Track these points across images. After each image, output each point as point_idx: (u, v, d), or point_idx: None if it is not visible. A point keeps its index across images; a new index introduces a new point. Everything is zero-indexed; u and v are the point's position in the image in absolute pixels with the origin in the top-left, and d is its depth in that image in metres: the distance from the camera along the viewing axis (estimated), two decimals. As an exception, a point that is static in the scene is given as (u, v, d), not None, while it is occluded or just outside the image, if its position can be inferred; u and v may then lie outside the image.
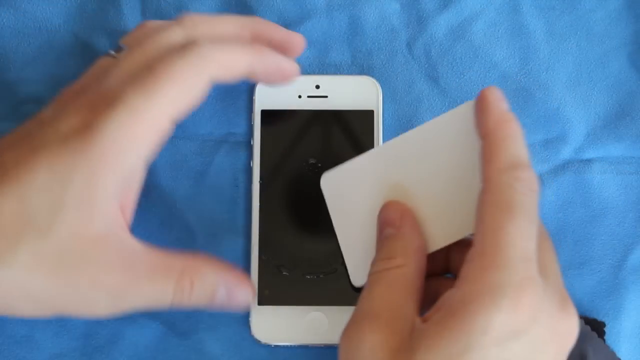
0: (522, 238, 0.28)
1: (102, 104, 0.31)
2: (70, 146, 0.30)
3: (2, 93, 0.41)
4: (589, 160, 0.41)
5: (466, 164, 0.33)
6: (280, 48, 0.37)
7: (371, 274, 0.32)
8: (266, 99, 0.40)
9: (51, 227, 0.30)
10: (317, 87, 0.40)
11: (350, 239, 0.35)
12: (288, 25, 0.42)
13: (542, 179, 0.41)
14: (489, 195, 0.30)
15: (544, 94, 0.41)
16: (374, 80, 0.40)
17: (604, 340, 0.38)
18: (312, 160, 0.40)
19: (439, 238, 0.34)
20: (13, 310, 0.31)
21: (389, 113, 0.41)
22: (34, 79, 0.41)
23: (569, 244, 0.40)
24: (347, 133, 0.40)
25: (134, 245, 0.32)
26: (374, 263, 0.33)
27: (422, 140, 0.34)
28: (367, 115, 0.40)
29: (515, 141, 0.31)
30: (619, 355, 0.38)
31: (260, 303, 0.38)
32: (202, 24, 0.35)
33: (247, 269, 0.39)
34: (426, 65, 0.42)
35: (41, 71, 0.41)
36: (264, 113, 0.40)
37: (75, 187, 0.30)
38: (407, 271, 0.32)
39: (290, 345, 0.38)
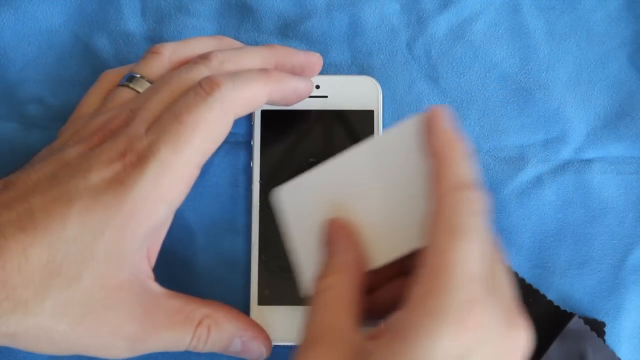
0: (469, 259, 0.28)
1: (133, 157, 0.31)
2: (102, 200, 0.31)
3: (2, 93, 0.41)
4: (589, 160, 0.41)
5: (412, 180, 0.32)
6: (301, 71, 0.38)
7: (311, 295, 0.32)
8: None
9: (79, 278, 0.30)
10: (317, 87, 0.40)
11: (301, 254, 0.35)
12: (288, 25, 0.42)
13: (542, 179, 0.41)
14: (437, 215, 0.29)
15: (544, 94, 0.41)
16: (374, 80, 0.40)
17: (604, 340, 0.38)
18: (311, 160, 0.40)
19: (384, 253, 0.33)
20: (35, 350, 0.32)
21: (389, 113, 0.41)
22: (34, 79, 0.41)
23: (569, 244, 0.40)
24: (347, 133, 0.40)
25: (156, 291, 0.33)
26: (314, 281, 0.32)
27: (369, 155, 0.33)
28: (367, 115, 0.40)
29: (463, 161, 0.31)
30: (618, 355, 0.38)
31: (260, 303, 0.38)
32: (227, 62, 0.35)
33: (247, 269, 0.39)
34: (426, 65, 0.42)
35: (41, 71, 0.41)
36: (264, 113, 0.40)
37: (106, 240, 0.31)
38: (340, 290, 0.31)
39: (290, 345, 0.38)
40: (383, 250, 0.33)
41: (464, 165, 0.30)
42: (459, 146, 0.31)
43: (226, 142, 0.40)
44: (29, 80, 0.41)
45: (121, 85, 0.36)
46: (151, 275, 0.34)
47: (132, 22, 0.42)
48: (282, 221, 0.35)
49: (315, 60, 0.39)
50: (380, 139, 0.33)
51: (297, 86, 0.36)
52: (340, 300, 0.31)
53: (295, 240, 0.35)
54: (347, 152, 0.34)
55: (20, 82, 0.41)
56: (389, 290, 0.34)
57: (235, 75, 0.34)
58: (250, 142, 0.40)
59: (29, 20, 0.42)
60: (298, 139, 0.40)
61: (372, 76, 0.41)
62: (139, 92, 0.36)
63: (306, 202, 0.35)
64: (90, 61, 0.42)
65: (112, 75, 0.38)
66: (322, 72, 0.41)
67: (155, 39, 0.41)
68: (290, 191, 0.35)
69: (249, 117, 0.40)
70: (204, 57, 0.35)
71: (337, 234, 0.33)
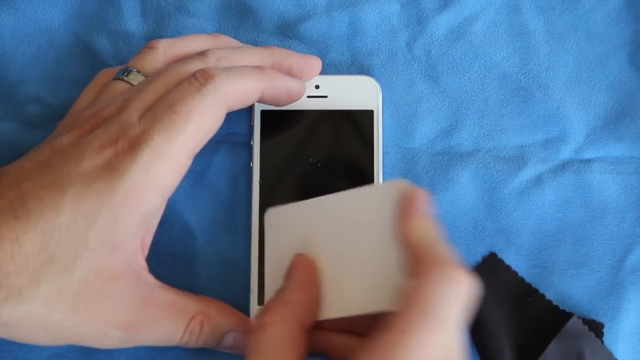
0: (426, 350, 0.27)
1: (125, 144, 0.31)
2: (95, 188, 0.31)
3: (2, 93, 0.41)
4: (589, 160, 0.41)
5: (384, 243, 0.32)
6: (299, 73, 0.38)
7: (253, 328, 0.31)
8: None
9: (73, 266, 0.30)
10: (317, 87, 0.40)
11: (273, 277, 0.35)
12: (288, 25, 0.42)
13: (542, 178, 0.41)
14: (414, 289, 0.28)
15: (544, 94, 0.41)
16: (374, 80, 0.40)
17: (602, 340, 0.38)
18: (311, 160, 0.40)
19: (338, 308, 0.32)
20: (30, 340, 0.32)
21: (389, 113, 0.41)
22: (34, 79, 0.41)
23: (569, 244, 0.40)
24: (347, 133, 0.40)
25: (150, 282, 0.33)
26: (260, 311, 0.32)
27: (351, 204, 0.33)
28: (367, 115, 0.40)
29: (441, 248, 0.30)
30: (617, 355, 0.38)
31: (260, 303, 0.38)
32: (224, 59, 0.36)
33: (247, 269, 0.39)
34: (426, 65, 0.42)
35: (41, 71, 0.41)
36: (264, 113, 0.40)
37: (99, 228, 0.31)
38: (284, 328, 0.31)
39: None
40: (338, 305, 0.33)
41: (443, 250, 0.29)
42: (434, 234, 0.30)
43: (226, 142, 0.41)
44: (29, 80, 0.41)
45: (116, 78, 0.36)
46: (145, 266, 0.34)
47: (132, 22, 0.42)
48: (265, 241, 0.36)
49: (313, 62, 0.39)
50: (365, 191, 0.33)
51: (290, 86, 0.37)
52: (282, 339, 0.30)
53: (267, 263, 0.35)
54: (338, 194, 0.33)
55: (20, 82, 0.41)
56: (330, 339, 0.34)
57: (229, 69, 0.34)
58: (250, 142, 0.40)
59: (28, 20, 0.42)
60: (298, 139, 0.40)
61: (372, 76, 0.41)
62: (133, 85, 0.36)
63: (287, 230, 0.35)
64: (90, 61, 0.42)
65: (108, 73, 0.38)
66: (322, 72, 0.41)
67: (154, 39, 0.41)
68: (278, 215, 0.35)
69: (249, 117, 0.40)
70: (201, 54, 0.36)
71: (298, 270, 0.33)
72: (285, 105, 0.38)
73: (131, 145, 0.31)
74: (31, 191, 0.30)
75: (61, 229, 0.30)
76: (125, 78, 0.36)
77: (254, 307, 0.38)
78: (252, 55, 0.37)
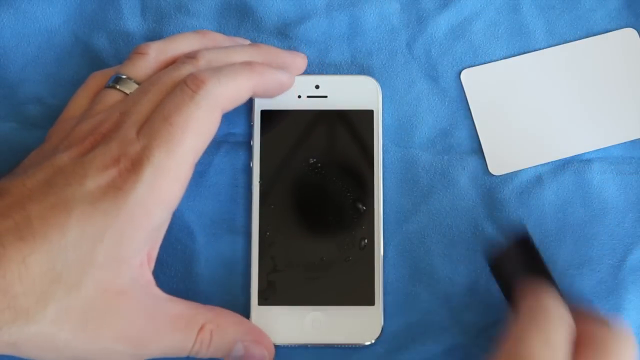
0: None
1: (127, 163, 0.32)
2: (100, 207, 0.31)
3: (2, 93, 0.41)
4: (589, 160, 0.41)
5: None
6: (287, 70, 0.39)
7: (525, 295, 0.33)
8: (266, 99, 0.40)
9: (80, 284, 0.30)
10: (317, 87, 0.40)
11: (487, 130, 0.38)
12: (288, 25, 0.42)
13: (542, 178, 0.41)
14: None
15: (544, 94, 0.41)
16: (374, 80, 0.40)
17: (603, 340, 0.38)
18: (311, 160, 0.40)
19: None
20: (37, 358, 0.32)
21: (388, 113, 0.41)
22: (34, 79, 0.41)
23: (569, 244, 0.40)
24: (347, 133, 0.40)
25: (158, 296, 0.33)
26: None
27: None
28: (366, 115, 0.40)
29: None
30: (618, 355, 0.38)
31: (260, 303, 0.38)
32: (214, 61, 0.36)
33: (247, 269, 0.39)
34: (426, 65, 0.42)
35: (41, 71, 0.41)
36: (264, 113, 0.40)
37: (105, 247, 0.31)
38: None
39: (290, 345, 0.38)
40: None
41: None
42: None
43: (226, 142, 0.41)
44: (29, 80, 0.41)
45: (108, 87, 0.36)
46: (152, 280, 0.34)
47: (132, 22, 0.42)
48: (468, 99, 0.40)
49: (299, 60, 0.39)
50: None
51: (280, 78, 0.37)
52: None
53: (482, 119, 0.39)
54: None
55: (20, 82, 0.41)
56: None
57: (219, 70, 0.34)
58: (250, 142, 0.40)
59: (28, 20, 0.42)
60: (298, 139, 0.40)
61: (372, 76, 0.41)
62: (126, 94, 0.36)
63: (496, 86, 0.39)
64: (90, 61, 0.42)
65: (99, 77, 0.38)
66: (321, 72, 0.41)
67: (154, 39, 0.41)
68: (479, 74, 0.37)
69: (249, 117, 0.40)
70: (191, 57, 0.36)
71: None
72: (275, 96, 0.38)
73: (133, 164, 0.31)
74: (36, 212, 0.30)
75: (67, 249, 0.30)
76: (117, 87, 0.36)
77: (254, 307, 0.38)
78: (242, 55, 0.37)
